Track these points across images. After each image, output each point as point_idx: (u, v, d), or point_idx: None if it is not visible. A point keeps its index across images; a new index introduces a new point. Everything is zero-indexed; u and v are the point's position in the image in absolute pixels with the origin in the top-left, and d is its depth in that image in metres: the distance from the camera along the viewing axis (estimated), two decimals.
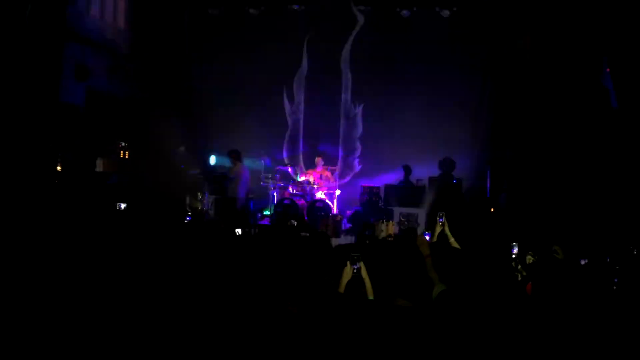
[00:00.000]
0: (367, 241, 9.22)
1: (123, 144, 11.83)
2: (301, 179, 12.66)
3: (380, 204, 11.74)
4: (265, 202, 12.88)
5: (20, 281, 4.08)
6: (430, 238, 5.04)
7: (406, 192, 11.38)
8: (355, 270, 3.55)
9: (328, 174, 12.56)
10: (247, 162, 12.70)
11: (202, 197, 11.37)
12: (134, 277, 4.15)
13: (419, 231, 10.24)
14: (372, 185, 12.38)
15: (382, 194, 11.81)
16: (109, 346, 3.52)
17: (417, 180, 11.85)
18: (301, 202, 12.02)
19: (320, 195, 12.17)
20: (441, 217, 5.13)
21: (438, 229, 5.09)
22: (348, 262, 3.58)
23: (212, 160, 12.88)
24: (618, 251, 5.14)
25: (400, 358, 3.05)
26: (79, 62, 11.27)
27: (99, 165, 11.35)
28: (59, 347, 3.51)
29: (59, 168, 10.21)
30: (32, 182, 8.74)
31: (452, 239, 5.01)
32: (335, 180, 12.71)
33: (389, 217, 10.81)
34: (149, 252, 4.72)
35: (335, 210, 12.05)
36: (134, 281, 4.08)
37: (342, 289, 3.55)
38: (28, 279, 4.13)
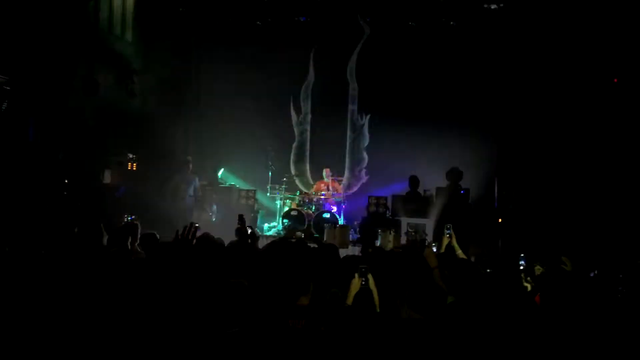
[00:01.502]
0: (370, 249, 9.20)
1: (131, 156, 11.88)
2: (310, 190, 12.65)
3: (387, 215, 11.71)
4: (272, 213, 12.91)
5: (28, 290, 4.09)
6: (438, 250, 5.04)
7: (413, 203, 11.36)
8: (363, 282, 3.55)
9: (336, 184, 12.57)
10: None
11: (209, 208, 11.39)
12: (138, 288, 4.16)
13: (427, 242, 10.21)
14: (379, 195, 12.37)
15: (389, 205, 11.79)
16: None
17: (425, 190, 11.83)
18: (308, 213, 12.03)
19: (327, 205, 12.17)
20: (448, 229, 5.13)
21: (445, 241, 5.09)
22: (356, 274, 3.58)
23: (220, 172, 12.92)
24: (625, 263, 5.12)
25: None
26: (88, 75, 11.35)
27: (107, 178, 11.40)
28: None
29: (67, 180, 10.25)
30: (41, 194, 8.80)
31: (459, 251, 5.02)
32: (343, 191, 12.69)
33: (397, 227, 10.79)
34: (153, 263, 4.73)
35: (342, 221, 12.04)
36: (138, 293, 4.09)
37: (350, 300, 3.55)
38: (36, 288, 4.14)
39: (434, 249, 5.12)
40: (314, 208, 12.21)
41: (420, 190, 11.85)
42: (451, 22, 12.39)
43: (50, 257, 4.97)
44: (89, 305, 3.76)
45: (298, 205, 12.27)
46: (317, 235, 11.18)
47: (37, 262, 4.71)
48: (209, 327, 3.49)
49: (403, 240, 10.64)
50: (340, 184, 12.85)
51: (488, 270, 4.60)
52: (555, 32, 10.92)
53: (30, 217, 8.24)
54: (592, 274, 4.52)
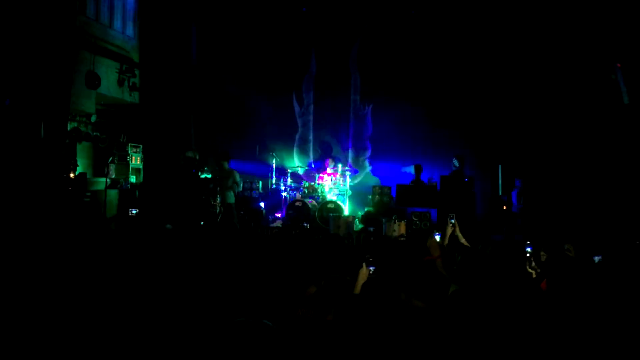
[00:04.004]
0: (372, 238, 9.24)
1: (135, 149, 11.93)
2: (317, 182, 12.59)
3: (392, 204, 11.73)
4: (276, 204, 12.95)
5: (38, 281, 4.13)
6: (442, 239, 5.05)
7: (418, 192, 11.35)
8: (370, 272, 3.56)
9: (339, 175, 12.56)
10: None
11: (214, 201, 11.41)
12: (148, 277, 4.20)
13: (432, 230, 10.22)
14: (383, 185, 12.39)
15: (393, 194, 11.81)
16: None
17: (429, 179, 11.84)
18: (312, 203, 12.05)
19: (331, 196, 12.19)
20: (452, 218, 5.14)
21: (449, 230, 5.11)
22: (364, 264, 3.59)
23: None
24: (629, 249, 5.13)
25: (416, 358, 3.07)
26: (90, 70, 11.38)
27: (111, 172, 11.45)
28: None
29: (72, 175, 10.29)
30: (46, 189, 8.84)
31: (462, 240, 5.03)
32: (347, 181, 12.69)
33: (401, 216, 10.82)
34: (163, 255, 4.77)
35: (346, 211, 12.06)
36: (148, 282, 4.12)
37: (357, 290, 3.56)
38: (45, 279, 4.18)
39: (438, 238, 5.13)
40: (319, 198, 12.23)
41: (424, 178, 11.88)
42: (452, 11, 12.33)
43: None
44: None
45: (302, 196, 12.29)
46: (322, 226, 11.24)
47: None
48: (218, 315, 3.52)
49: (408, 229, 10.66)
50: (344, 174, 12.82)
51: (493, 257, 4.62)
52: (558, 17, 10.89)
53: (36, 213, 8.29)
54: (596, 259, 4.53)
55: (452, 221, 5.22)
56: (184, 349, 3.44)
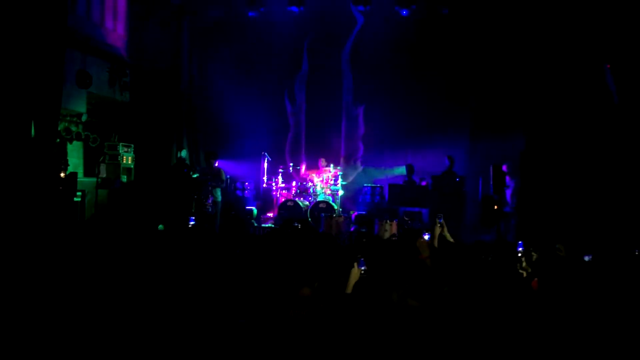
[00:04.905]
0: (364, 239, 9.22)
1: (126, 149, 11.88)
2: (309, 182, 12.55)
3: (384, 204, 11.75)
4: (268, 204, 12.94)
5: (27, 281, 4.10)
6: (431, 239, 5.07)
7: (409, 191, 11.39)
8: (362, 272, 3.57)
9: (330, 174, 12.55)
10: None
11: (205, 200, 11.38)
12: (139, 281, 4.18)
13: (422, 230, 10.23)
14: (375, 184, 12.40)
15: (385, 194, 11.82)
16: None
17: (420, 178, 11.86)
18: (304, 203, 12.04)
19: (323, 196, 12.18)
20: (440, 218, 5.17)
21: (437, 231, 5.14)
22: (355, 264, 3.60)
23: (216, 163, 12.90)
24: (620, 250, 5.17)
25: (410, 357, 3.08)
26: (81, 69, 11.33)
27: (102, 171, 11.41)
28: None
29: (62, 175, 10.23)
30: (36, 189, 8.79)
31: (451, 240, 5.06)
32: (338, 181, 12.69)
33: (393, 216, 10.83)
34: (152, 257, 4.74)
35: (339, 211, 12.06)
36: (139, 285, 4.11)
37: (349, 289, 3.58)
38: (36, 279, 4.15)
39: (427, 238, 5.14)
40: (311, 198, 12.23)
41: (416, 178, 11.90)
42: (443, 11, 12.36)
43: None
44: None
45: (294, 196, 12.29)
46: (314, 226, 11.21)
47: None
48: (214, 318, 3.51)
49: (400, 228, 10.68)
50: (335, 174, 12.80)
51: (486, 257, 4.64)
52: (549, 17, 10.91)
53: (26, 213, 8.24)
54: (586, 258, 4.56)
55: (440, 221, 5.26)
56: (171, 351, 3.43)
